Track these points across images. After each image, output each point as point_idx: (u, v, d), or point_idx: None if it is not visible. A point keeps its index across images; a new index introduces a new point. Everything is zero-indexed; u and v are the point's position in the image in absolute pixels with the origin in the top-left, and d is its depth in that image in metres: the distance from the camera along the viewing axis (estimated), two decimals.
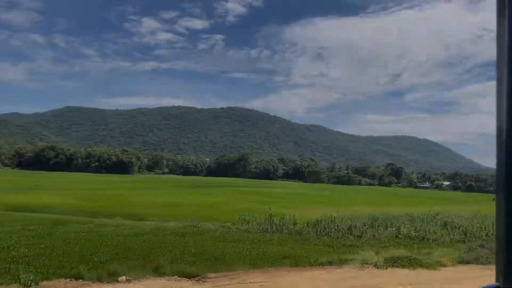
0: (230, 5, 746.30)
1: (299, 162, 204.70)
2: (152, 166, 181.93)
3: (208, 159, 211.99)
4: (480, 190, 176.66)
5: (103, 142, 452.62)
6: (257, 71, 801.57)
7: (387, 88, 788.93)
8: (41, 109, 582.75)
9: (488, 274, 12.44)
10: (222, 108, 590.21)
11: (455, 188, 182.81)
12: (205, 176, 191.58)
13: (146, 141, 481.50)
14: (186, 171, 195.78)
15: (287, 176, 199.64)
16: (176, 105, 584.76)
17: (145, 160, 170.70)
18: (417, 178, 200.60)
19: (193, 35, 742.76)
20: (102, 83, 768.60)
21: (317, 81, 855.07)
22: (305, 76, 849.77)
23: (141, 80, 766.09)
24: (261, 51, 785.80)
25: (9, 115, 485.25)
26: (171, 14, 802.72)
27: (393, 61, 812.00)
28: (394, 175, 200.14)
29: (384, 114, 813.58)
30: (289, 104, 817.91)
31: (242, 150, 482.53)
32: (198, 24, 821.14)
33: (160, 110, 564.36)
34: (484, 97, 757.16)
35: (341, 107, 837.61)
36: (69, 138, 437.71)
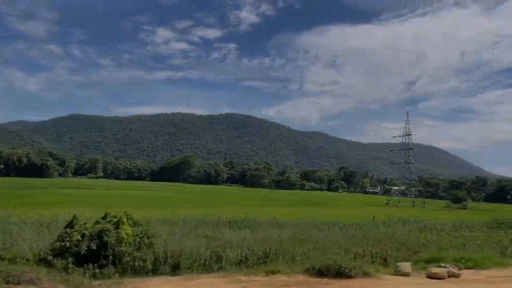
0: (243, 14, 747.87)
1: (247, 166, 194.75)
2: (88, 170, 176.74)
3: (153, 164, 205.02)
4: (429, 195, 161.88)
5: (97, 149, 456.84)
6: (271, 79, 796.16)
7: (402, 96, 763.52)
8: (48, 117, 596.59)
9: None
10: (220, 115, 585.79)
11: (404, 193, 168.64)
12: (150, 180, 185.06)
13: (140, 147, 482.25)
14: (130, 175, 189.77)
15: (233, 180, 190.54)
16: (174, 112, 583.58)
17: (72, 164, 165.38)
18: (369, 182, 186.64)
19: (206, 44, 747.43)
20: (118, 92, 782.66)
21: (330, 89, 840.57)
22: (318, 84, 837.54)
23: (155, 89, 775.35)
24: (274, 59, 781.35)
25: (12, 123, 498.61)
26: (185, 24, 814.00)
27: (407, 68, 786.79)
28: (346, 180, 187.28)
29: (399, 122, 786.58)
30: (303, 112, 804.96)
31: (236, 156, 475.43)
32: (212, 33, 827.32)
33: (157, 117, 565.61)
34: (501, 104, 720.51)
35: (355, 115, 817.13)
36: (63, 145, 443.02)
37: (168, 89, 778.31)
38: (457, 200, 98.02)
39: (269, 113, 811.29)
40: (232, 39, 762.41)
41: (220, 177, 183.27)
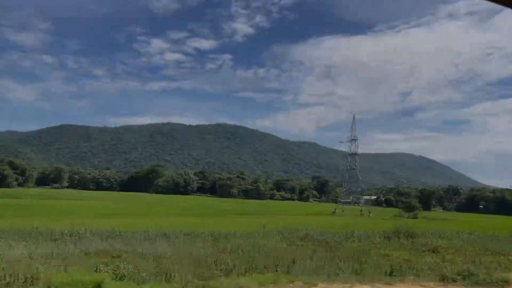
0: (237, 26, 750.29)
1: (218, 176, 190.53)
2: (53, 180, 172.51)
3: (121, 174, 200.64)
4: (397, 204, 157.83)
5: (84, 160, 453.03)
6: (265, 91, 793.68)
7: (396, 107, 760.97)
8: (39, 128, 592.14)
9: None
10: (210, 125, 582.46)
11: (376, 203, 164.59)
12: (120, 190, 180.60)
13: (128, 158, 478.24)
14: (98, 185, 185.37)
15: (204, 190, 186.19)
16: (164, 122, 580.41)
17: (34, 173, 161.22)
18: (341, 192, 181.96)
19: (201, 55, 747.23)
20: (111, 102, 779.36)
21: (325, 100, 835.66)
22: (313, 95, 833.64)
23: (150, 99, 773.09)
24: (268, 70, 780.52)
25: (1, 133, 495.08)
26: (179, 34, 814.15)
27: (402, 79, 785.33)
28: (319, 189, 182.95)
29: (394, 133, 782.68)
30: (297, 123, 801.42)
31: (225, 166, 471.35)
32: (206, 44, 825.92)
33: (147, 127, 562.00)
34: (495, 116, 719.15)
35: (350, 126, 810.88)
36: (49, 155, 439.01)
37: (162, 99, 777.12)
38: (409, 209, 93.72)
39: (264, 123, 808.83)
40: (226, 50, 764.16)
41: (189, 187, 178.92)
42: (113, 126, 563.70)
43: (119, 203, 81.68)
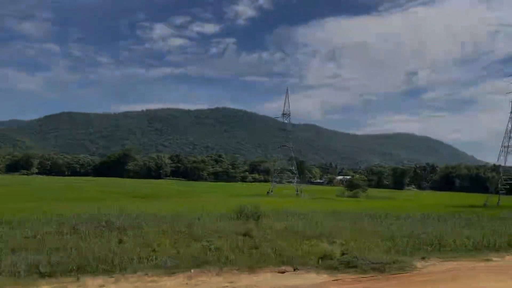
0: (240, 8, 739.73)
1: (192, 159, 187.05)
2: (23, 166, 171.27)
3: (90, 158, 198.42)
4: (372, 184, 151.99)
5: (81, 146, 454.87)
6: (270, 74, 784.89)
7: (403, 87, 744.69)
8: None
9: None
10: (209, 109, 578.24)
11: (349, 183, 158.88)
12: (94, 175, 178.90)
13: (126, 144, 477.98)
14: (73, 170, 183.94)
15: (178, 173, 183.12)
16: (164, 107, 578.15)
17: (3, 160, 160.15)
18: (318, 173, 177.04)
19: (204, 39, 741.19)
20: (117, 90, 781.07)
21: (331, 82, 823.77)
22: (318, 77, 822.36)
23: (155, 86, 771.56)
24: (273, 53, 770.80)
25: (3, 122, 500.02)
26: (182, 19, 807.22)
27: (408, 59, 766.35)
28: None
29: (401, 114, 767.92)
30: (303, 106, 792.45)
31: (223, 151, 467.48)
32: (209, 28, 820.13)
33: (145, 113, 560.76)
34: (502, 94, 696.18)
35: (357, 108, 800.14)
36: (48, 144, 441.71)
37: (167, 86, 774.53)
38: (351, 187, 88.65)
39: (269, 107, 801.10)
40: (230, 34, 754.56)
41: (162, 171, 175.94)
42: (109, 112, 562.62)
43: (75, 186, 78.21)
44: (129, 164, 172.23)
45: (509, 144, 75.89)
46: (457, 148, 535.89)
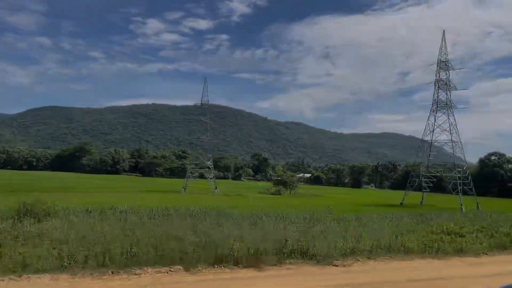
0: (234, 5, 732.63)
1: (153, 154, 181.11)
2: None
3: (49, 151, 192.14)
4: (327, 182, 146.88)
5: (63, 141, 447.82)
6: (264, 71, 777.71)
7: (395, 87, 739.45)
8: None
9: None
10: (195, 105, 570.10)
11: (315, 180, 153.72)
12: (51, 170, 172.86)
13: (108, 139, 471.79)
14: (30, 164, 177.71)
15: (137, 169, 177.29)
16: (150, 103, 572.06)
17: None
18: (282, 170, 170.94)
19: (198, 35, 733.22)
20: (108, 85, 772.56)
21: (324, 81, 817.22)
22: (312, 75, 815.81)
23: (147, 81, 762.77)
24: (266, 51, 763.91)
25: None
26: (175, 15, 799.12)
27: (401, 59, 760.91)
28: (257, 167, 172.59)
29: (394, 114, 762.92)
30: (297, 104, 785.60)
31: (208, 147, 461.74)
32: (203, 24, 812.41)
33: (130, 108, 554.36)
34: (494, 95, 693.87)
35: (349, 107, 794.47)
36: (29, 137, 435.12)
37: (159, 81, 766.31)
38: (280, 184, 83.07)
39: (262, 105, 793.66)
40: (223, 31, 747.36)
41: (119, 166, 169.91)
42: (96, 107, 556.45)
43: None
44: (83, 158, 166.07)
45: (433, 140, 70.60)
46: (443, 148, 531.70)
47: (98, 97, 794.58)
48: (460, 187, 63.54)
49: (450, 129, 65.12)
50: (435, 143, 72.88)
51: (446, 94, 66.14)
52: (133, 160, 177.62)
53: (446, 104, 66.03)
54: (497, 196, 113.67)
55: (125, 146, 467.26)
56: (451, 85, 66.43)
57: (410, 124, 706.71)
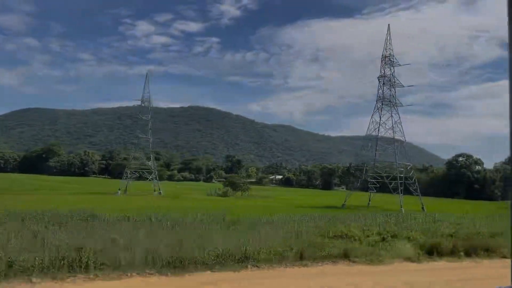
0: (224, 8, 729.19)
1: (123, 156, 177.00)
2: None
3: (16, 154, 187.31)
4: (297, 183, 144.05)
5: (46, 143, 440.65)
6: (254, 74, 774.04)
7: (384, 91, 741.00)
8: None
9: None
10: (182, 107, 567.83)
11: (286, 182, 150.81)
12: (19, 172, 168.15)
13: (93, 141, 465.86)
14: None
15: (105, 171, 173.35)
16: (136, 105, 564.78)
17: None
18: (254, 172, 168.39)
19: (188, 38, 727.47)
20: (98, 87, 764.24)
21: (314, 84, 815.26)
22: (302, 79, 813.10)
23: (136, 84, 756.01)
24: (257, 54, 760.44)
25: None
26: (165, 17, 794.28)
27: (389, 63, 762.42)
28: (230, 169, 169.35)
29: (382, 117, 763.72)
30: (288, 107, 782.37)
31: (194, 150, 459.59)
32: (193, 27, 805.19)
33: (116, 110, 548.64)
34: (481, 99, 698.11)
35: (339, 110, 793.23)
36: (11, 139, 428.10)
37: (151, 84, 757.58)
38: (231, 185, 79.92)
39: (253, 108, 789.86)
40: (214, 33, 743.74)
41: (87, 168, 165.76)
42: (81, 109, 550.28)
43: None
44: (51, 160, 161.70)
45: (378, 136, 68.05)
46: (426, 150, 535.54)
47: (87, 99, 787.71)
48: (401, 188, 60.93)
49: (393, 127, 62.55)
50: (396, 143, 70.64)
51: (390, 90, 63.62)
52: (104, 162, 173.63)
53: (390, 101, 63.46)
54: (464, 198, 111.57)
55: (109, 148, 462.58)
56: (396, 81, 63.90)
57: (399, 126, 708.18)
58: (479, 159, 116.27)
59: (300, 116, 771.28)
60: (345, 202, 60.99)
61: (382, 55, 63.47)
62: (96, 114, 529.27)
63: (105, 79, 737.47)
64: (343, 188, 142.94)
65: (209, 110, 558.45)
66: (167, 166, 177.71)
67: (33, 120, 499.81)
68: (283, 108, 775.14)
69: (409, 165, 65.39)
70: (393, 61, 63.13)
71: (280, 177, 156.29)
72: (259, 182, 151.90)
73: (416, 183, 64.34)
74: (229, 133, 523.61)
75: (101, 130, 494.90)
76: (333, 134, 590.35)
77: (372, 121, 64.83)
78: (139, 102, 76.86)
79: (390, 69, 63.30)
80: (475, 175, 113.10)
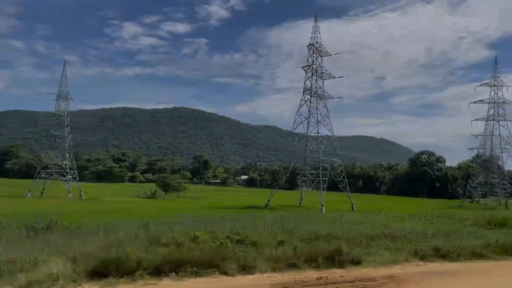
0: (212, 9, 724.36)
1: (86, 157, 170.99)
2: None
3: None
4: (262, 184, 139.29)
5: (25, 146, 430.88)
6: (243, 76, 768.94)
7: (371, 92, 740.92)
8: None
9: None
10: (166, 109, 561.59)
11: (250, 182, 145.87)
12: None
13: (73, 144, 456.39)
14: None
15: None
16: (119, 106, 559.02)
17: None
18: (222, 172, 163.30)
19: (176, 39, 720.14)
20: (85, 89, 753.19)
21: (302, 85, 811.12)
22: (291, 80, 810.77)
23: (125, 86, 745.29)
24: (245, 55, 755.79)
25: None
26: (153, 18, 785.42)
27: (377, 64, 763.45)
28: (197, 170, 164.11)
29: (371, 118, 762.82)
30: (276, 108, 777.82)
31: (177, 152, 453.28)
32: (181, 28, 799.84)
33: (98, 112, 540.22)
34: (466, 99, 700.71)
35: (329, 111, 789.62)
36: None
37: (137, 85, 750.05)
38: (163, 186, 74.69)
39: (241, 109, 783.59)
40: (202, 35, 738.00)
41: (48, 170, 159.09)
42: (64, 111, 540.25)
43: None
44: (7, 162, 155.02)
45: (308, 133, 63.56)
46: (412, 150, 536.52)
47: (74, 101, 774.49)
48: (324, 185, 56.43)
49: (317, 120, 58.00)
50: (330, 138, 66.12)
51: (317, 82, 58.97)
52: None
53: (316, 92, 58.84)
54: (428, 197, 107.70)
55: (91, 150, 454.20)
56: (324, 71, 59.27)
57: (382, 127, 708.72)
58: (441, 157, 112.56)
59: (288, 117, 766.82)
60: (268, 201, 55.99)
61: (309, 44, 58.77)
62: (78, 116, 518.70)
63: (91, 81, 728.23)
64: (311, 189, 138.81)
65: (194, 111, 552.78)
66: (133, 167, 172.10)
67: (12, 122, 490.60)
68: (272, 109, 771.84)
69: (337, 161, 60.65)
70: (321, 51, 58.39)
71: (245, 177, 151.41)
72: (223, 182, 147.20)
73: (346, 180, 59.78)
74: (213, 134, 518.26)
75: (81, 132, 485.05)
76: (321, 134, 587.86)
77: (299, 115, 59.95)
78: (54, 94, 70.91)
79: (318, 59, 58.57)
80: (437, 173, 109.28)
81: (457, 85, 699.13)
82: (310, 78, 58.25)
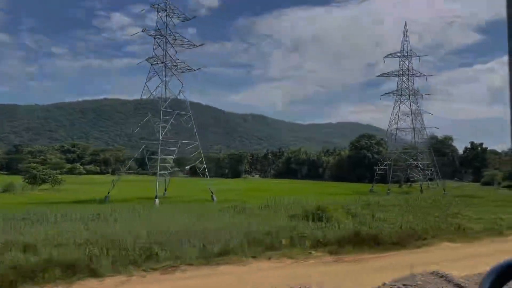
0: None
1: (28, 149, 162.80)
2: None
3: None
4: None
5: (3, 140, 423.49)
6: (233, 65, 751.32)
7: (362, 79, 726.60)
8: None
9: None
10: (148, 99, 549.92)
11: (193, 172, 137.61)
12: None
13: (53, 136, 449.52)
14: None
15: (8, 167, 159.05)
16: (100, 98, 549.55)
17: None
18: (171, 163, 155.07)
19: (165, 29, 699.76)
20: (74, 82, 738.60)
21: (294, 74, 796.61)
22: (282, 69, 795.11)
23: (114, 77, 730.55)
24: (236, 44, 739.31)
25: None
26: (141, 7, 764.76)
27: (367, 51, 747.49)
28: (143, 161, 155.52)
29: (364, 104, 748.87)
30: (268, 98, 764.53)
31: (157, 142, 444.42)
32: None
33: (80, 104, 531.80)
34: (456, 85, 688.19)
35: (319, 99, 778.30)
36: None
37: (127, 76, 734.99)
38: (33, 178, 65.69)
39: (233, 99, 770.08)
40: (191, 24, 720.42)
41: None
42: (41, 104, 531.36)
43: None
44: None
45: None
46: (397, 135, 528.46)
47: (60, 94, 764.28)
48: (163, 171, 48.22)
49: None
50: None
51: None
52: (8, 157, 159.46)
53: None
54: (370, 182, 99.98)
55: (70, 143, 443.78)
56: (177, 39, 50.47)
57: (372, 114, 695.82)
58: (382, 139, 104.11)
59: (281, 106, 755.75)
60: (108, 193, 47.21)
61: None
62: (58, 109, 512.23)
63: (80, 73, 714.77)
64: (253, 176, 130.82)
65: (176, 101, 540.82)
66: (80, 158, 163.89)
67: None
68: (264, 98, 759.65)
69: (194, 143, 52.42)
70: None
71: (188, 166, 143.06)
72: (171, 173, 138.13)
73: (204, 165, 51.53)
74: (197, 123, 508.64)
75: (62, 125, 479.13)
76: (304, 122, 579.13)
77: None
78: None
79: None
80: (376, 156, 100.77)
81: (446, 70, 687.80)
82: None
